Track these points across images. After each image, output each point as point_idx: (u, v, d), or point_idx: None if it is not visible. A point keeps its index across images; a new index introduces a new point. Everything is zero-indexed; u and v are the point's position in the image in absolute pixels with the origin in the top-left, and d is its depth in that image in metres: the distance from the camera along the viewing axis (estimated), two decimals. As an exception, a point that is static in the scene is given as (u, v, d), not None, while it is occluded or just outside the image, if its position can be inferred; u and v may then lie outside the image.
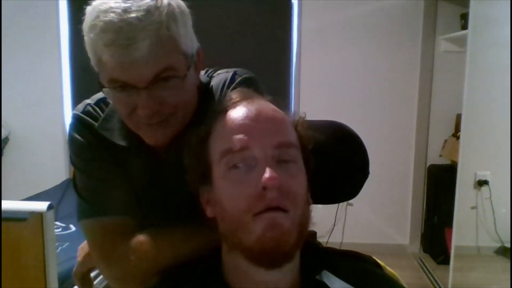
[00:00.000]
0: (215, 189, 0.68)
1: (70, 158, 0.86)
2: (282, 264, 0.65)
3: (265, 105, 0.69)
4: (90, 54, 0.73)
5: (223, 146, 0.66)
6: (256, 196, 0.62)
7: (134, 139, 0.82)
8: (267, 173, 0.62)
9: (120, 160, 0.83)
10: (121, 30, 0.67)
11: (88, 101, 0.88)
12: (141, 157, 0.84)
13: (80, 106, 0.88)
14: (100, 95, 0.89)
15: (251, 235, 0.62)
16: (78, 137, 0.84)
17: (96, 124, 0.84)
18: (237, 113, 0.67)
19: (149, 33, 0.68)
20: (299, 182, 0.66)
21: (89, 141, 0.83)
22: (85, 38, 0.72)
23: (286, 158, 0.65)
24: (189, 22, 0.76)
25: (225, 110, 0.69)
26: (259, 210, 0.62)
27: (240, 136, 0.65)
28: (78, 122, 0.85)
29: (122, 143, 0.82)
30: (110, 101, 0.85)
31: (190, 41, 0.76)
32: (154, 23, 0.68)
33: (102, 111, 0.86)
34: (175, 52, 0.72)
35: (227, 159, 0.65)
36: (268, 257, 0.63)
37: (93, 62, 0.74)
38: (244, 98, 0.70)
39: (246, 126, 0.65)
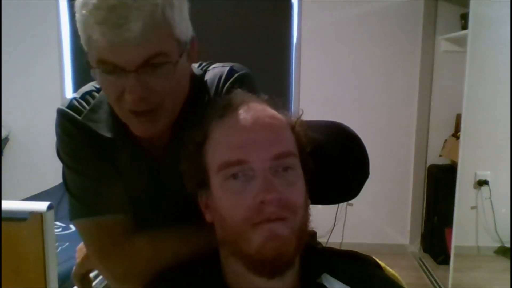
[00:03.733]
0: (213, 197, 0.67)
1: (58, 154, 0.83)
2: (284, 272, 0.65)
3: (260, 111, 0.68)
4: (80, 32, 0.70)
5: (220, 159, 0.65)
6: (255, 209, 0.62)
7: (121, 131, 0.79)
8: (266, 187, 0.62)
9: (108, 154, 0.81)
10: (114, 9, 0.65)
11: (74, 95, 0.85)
12: (128, 151, 0.81)
13: (65, 101, 0.84)
14: (86, 88, 0.86)
15: (251, 244, 0.62)
16: (63, 133, 0.81)
17: (80, 117, 0.81)
18: (233, 122, 0.66)
19: (143, 13, 0.66)
20: (297, 190, 0.66)
21: (75, 137, 0.80)
22: (77, 15, 0.70)
23: (284, 167, 0.65)
24: (186, 9, 0.74)
25: (220, 116, 0.68)
26: (258, 221, 0.62)
27: (237, 149, 0.64)
28: (63, 117, 0.82)
29: (108, 134, 0.80)
30: (99, 90, 0.83)
31: (185, 28, 0.74)
32: (149, 4, 0.66)
33: (88, 104, 0.83)
34: (168, 37, 0.70)
35: (225, 171, 0.65)
36: (269, 266, 0.63)
37: (82, 40, 0.71)
38: (239, 103, 0.69)
39: (243, 137, 0.65)
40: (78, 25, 0.70)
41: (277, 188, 0.62)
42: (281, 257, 0.62)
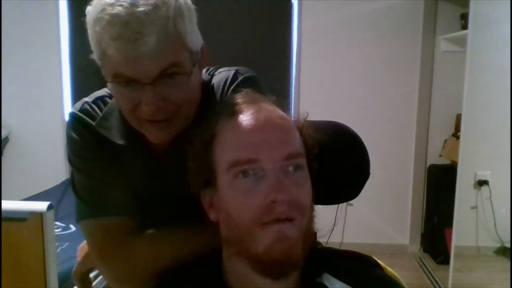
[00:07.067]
0: (220, 196, 0.67)
1: (68, 157, 0.85)
2: (290, 273, 0.65)
3: (271, 112, 0.68)
4: (93, 47, 0.72)
5: (230, 156, 0.65)
6: (265, 208, 0.62)
7: (132, 138, 0.81)
8: (277, 187, 0.62)
9: (119, 159, 0.82)
10: (128, 24, 0.66)
11: (86, 99, 0.87)
12: (139, 157, 0.83)
13: (78, 105, 0.86)
14: (98, 93, 0.88)
15: (259, 244, 0.62)
16: (75, 136, 0.83)
17: (94, 122, 0.83)
18: (244, 121, 0.66)
19: (156, 28, 0.67)
20: (305, 191, 0.66)
21: (87, 140, 0.82)
22: (89, 31, 0.71)
23: (294, 167, 0.65)
24: (195, 19, 0.76)
25: (230, 115, 0.68)
26: (268, 221, 0.62)
27: (248, 148, 0.64)
28: (76, 121, 0.84)
29: (120, 142, 0.81)
30: (111, 96, 0.84)
31: (195, 38, 0.75)
32: (161, 18, 0.68)
33: (100, 109, 0.85)
34: (181, 48, 0.71)
35: (235, 169, 0.64)
36: (276, 267, 0.63)
37: (96, 56, 0.73)
38: (250, 103, 0.69)
39: (254, 137, 0.65)
40: (91, 41, 0.71)
41: (288, 188, 0.63)
42: (289, 259, 0.62)
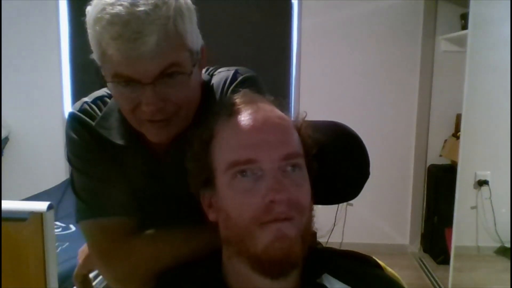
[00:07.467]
0: (219, 196, 0.67)
1: (67, 157, 0.85)
2: (289, 272, 0.65)
3: (270, 112, 0.68)
4: (93, 47, 0.72)
5: (229, 157, 0.65)
6: (264, 208, 0.62)
7: (132, 138, 0.81)
8: (276, 187, 0.62)
9: (118, 159, 0.82)
10: (128, 24, 0.66)
11: (85, 99, 0.87)
12: (139, 157, 0.83)
13: (77, 105, 0.86)
14: (97, 93, 0.88)
15: (258, 244, 0.62)
16: (75, 136, 0.83)
17: (93, 122, 0.83)
18: (243, 121, 0.66)
19: (156, 27, 0.67)
20: (304, 190, 0.66)
21: (86, 140, 0.82)
22: (89, 31, 0.71)
23: (292, 167, 0.65)
24: (195, 19, 0.76)
25: (229, 115, 0.68)
26: (267, 221, 0.62)
27: (247, 148, 0.64)
28: (75, 121, 0.84)
29: (120, 142, 0.81)
30: (111, 96, 0.84)
31: (195, 38, 0.76)
32: (162, 17, 0.68)
33: (100, 109, 0.85)
34: (181, 48, 0.72)
35: (234, 170, 0.65)
36: (276, 266, 0.63)
37: (96, 55, 0.73)
38: (248, 103, 0.69)
39: (253, 137, 0.65)
40: (91, 41, 0.71)
41: (287, 188, 0.63)
42: (288, 258, 0.62)
